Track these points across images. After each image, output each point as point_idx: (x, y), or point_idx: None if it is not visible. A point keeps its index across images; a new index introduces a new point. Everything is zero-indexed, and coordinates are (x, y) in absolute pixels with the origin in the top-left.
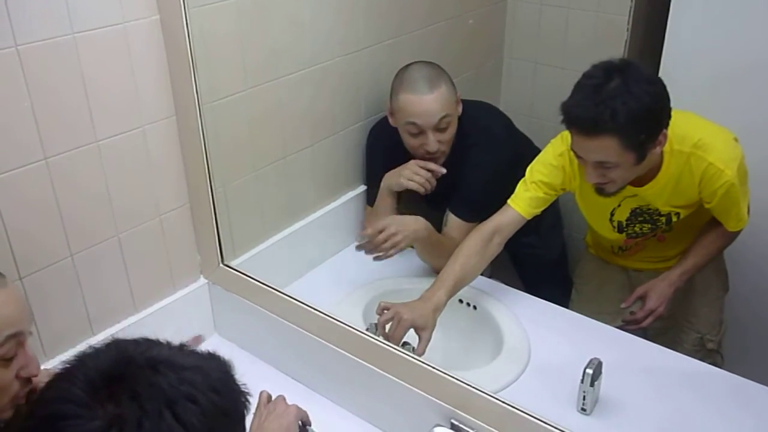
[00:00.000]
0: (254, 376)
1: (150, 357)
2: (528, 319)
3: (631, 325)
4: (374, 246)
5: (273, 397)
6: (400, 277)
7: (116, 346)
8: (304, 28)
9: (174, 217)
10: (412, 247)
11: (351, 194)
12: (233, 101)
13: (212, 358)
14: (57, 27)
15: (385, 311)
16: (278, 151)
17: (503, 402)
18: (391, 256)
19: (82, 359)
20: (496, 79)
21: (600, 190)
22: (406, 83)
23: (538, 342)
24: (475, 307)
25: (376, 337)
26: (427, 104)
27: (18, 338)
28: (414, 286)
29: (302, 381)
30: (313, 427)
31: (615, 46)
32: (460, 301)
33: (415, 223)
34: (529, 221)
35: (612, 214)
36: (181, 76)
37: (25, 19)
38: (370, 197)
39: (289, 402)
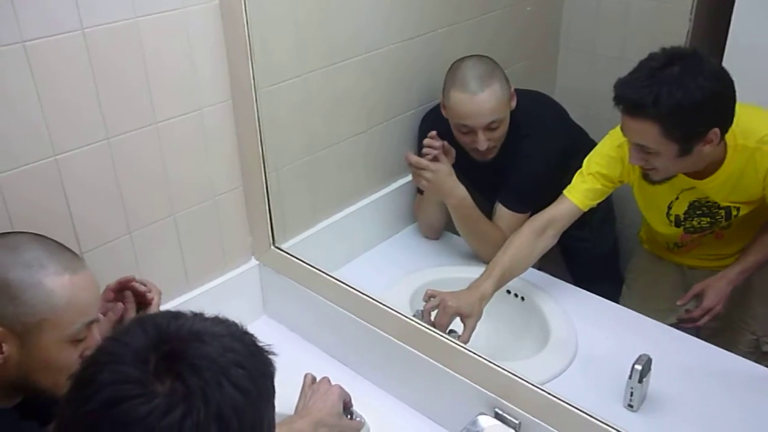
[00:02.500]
0: (301, 359)
1: (190, 329)
2: (576, 313)
3: (686, 324)
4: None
5: (317, 379)
6: (448, 266)
7: (148, 322)
8: (361, 15)
9: (228, 198)
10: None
11: (402, 181)
12: (288, 86)
13: (232, 323)
14: (121, 11)
15: (432, 298)
16: (331, 136)
17: (548, 393)
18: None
19: (120, 340)
20: (552, 68)
21: (645, 176)
22: (459, 81)
23: (586, 336)
24: (522, 299)
25: (423, 324)
26: (478, 105)
27: (92, 323)
28: (462, 275)
29: (348, 364)
30: (355, 408)
31: (676, 37)
32: (508, 291)
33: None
34: (581, 216)
35: (669, 207)
36: (239, 61)
37: (91, 3)
38: None
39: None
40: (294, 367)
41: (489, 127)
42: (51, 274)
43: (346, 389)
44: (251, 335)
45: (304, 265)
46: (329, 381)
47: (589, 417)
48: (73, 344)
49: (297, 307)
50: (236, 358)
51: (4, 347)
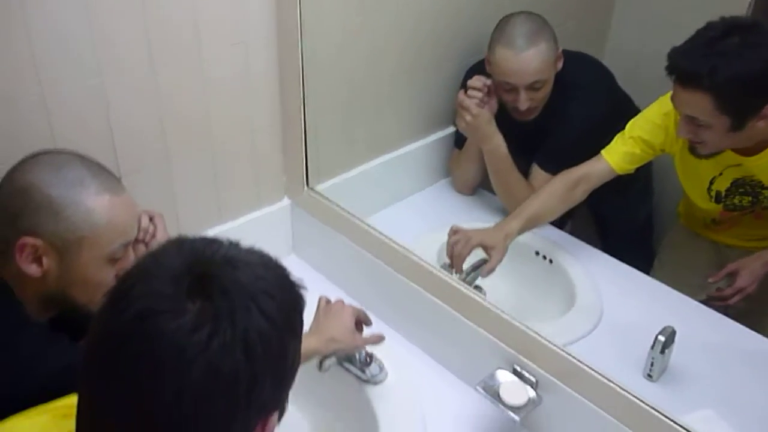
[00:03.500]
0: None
1: (225, 255)
2: (604, 280)
3: (716, 302)
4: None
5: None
6: (479, 222)
7: (185, 244)
8: None
9: (265, 136)
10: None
11: (440, 134)
12: (334, 27)
13: (266, 254)
14: None
15: (456, 234)
16: (372, 82)
17: (568, 354)
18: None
19: (156, 258)
20: (604, 31)
21: (692, 149)
22: (505, 37)
23: (612, 303)
24: (551, 261)
25: (451, 276)
26: (522, 63)
27: (128, 244)
28: None
29: (371, 309)
30: (376, 355)
31: (737, 6)
32: (537, 253)
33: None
34: (618, 184)
35: (711, 183)
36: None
37: None
38: (459, 140)
39: None
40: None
41: (532, 87)
42: (92, 194)
43: (366, 332)
44: (284, 268)
45: (336, 208)
46: (342, 302)
47: (606, 381)
48: (109, 263)
49: (325, 249)
50: (266, 287)
51: (44, 261)
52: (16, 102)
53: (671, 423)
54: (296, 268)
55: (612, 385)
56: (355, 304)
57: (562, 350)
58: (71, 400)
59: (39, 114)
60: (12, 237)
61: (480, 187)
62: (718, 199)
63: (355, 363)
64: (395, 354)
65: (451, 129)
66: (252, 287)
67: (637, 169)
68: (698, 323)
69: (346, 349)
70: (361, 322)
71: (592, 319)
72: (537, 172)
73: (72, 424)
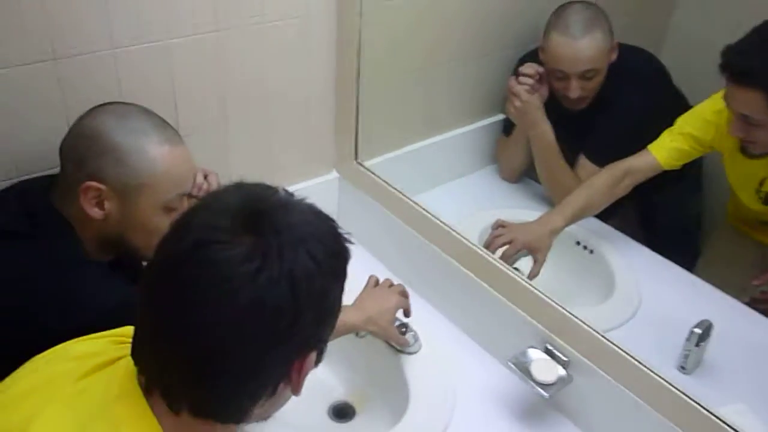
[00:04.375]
0: (366, 271)
1: (280, 200)
2: (645, 274)
3: (758, 304)
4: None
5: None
6: (522, 209)
7: (244, 186)
8: None
9: (319, 107)
10: None
11: (489, 120)
12: (394, 5)
13: (318, 208)
14: None
15: (501, 228)
16: (427, 62)
17: (601, 335)
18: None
19: (217, 196)
20: (663, 26)
21: (743, 148)
22: (561, 23)
23: (651, 296)
24: (591, 251)
25: (489, 254)
26: (576, 50)
27: (184, 195)
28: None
29: (409, 283)
30: (410, 325)
31: None
32: (578, 243)
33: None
34: (667, 181)
35: (761, 184)
36: None
37: None
38: (507, 127)
39: None
40: (357, 278)
41: (584, 76)
42: (154, 143)
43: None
44: (333, 220)
45: (383, 183)
46: (391, 284)
47: (639, 365)
48: (166, 211)
49: (369, 223)
50: (315, 231)
51: (106, 204)
52: (88, 61)
53: (703, 410)
54: None
55: (645, 370)
56: (396, 278)
57: (597, 332)
58: (125, 330)
59: (109, 72)
60: (78, 179)
61: (525, 176)
62: (767, 200)
63: None
64: (430, 327)
65: (501, 116)
66: (302, 230)
67: (687, 166)
68: (737, 321)
69: (380, 335)
70: (405, 311)
71: (629, 310)
72: (584, 162)
73: (126, 349)
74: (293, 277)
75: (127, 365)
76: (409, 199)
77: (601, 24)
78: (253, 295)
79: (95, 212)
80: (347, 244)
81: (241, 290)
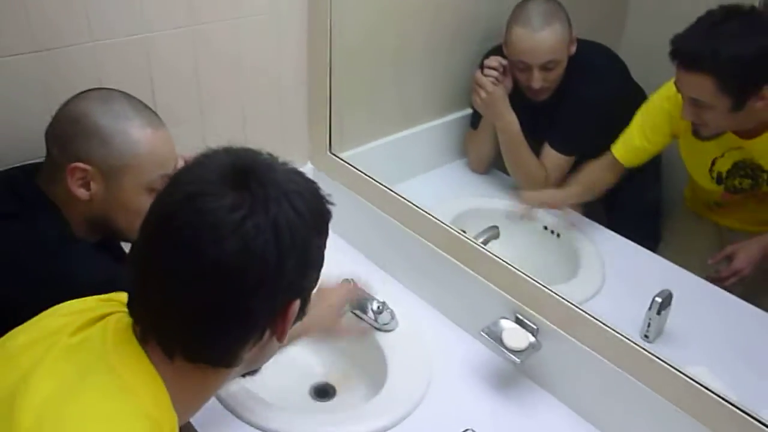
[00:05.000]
0: (341, 260)
1: (266, 160)
2: (609, 254)
3: (716, 283)
4: None
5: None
6: (490, 197)
7: (232, 149)
8: None
9: (292, 100)
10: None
11: (457, 115)
12: (364, 3)
13: (301, 172)
14: None
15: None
16: (396, 57)
17: (567, 301)
18: None
19: (207, 156)
20: (619, 25)
21: (695, 131)
22: (522, 17)
23: (614, 275)
24: (558, 235)
25: (462, 233)
26: (537, 42)
27: (167, 176)
28: (505, 207)
29: (384, 268)
30: (389, 305)
31: None
32: (545, 228)
33: None
34: (628, 170)
35: (713, 164)
36: None
37: None
38: (475, 120)
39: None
40: (334, 267)
41: (545, 67)
42: (136, 126)
43: (380, 291)
44: (315, 182)
45: (357, 172)
46: (338, 285)
47: (604, 327)
48: (149, 192)
49: (343, 212)
50: (298, 188)
51: (92, 185)
52: (72, 53)
53: (669, 367)
54: None
55: (611, 332)
56: (372, 264)
57: (564, 299)
58: (112, 294)
59: (90, 63)
60: (64, 161)
61: (493, 167)
62: (719, 180)
63: (368, 311)
64: (406, 307)
65: (468, 111)
66: (286, 186)
67: None
68: (696, 294)
69: (330, 334)
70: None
71: (594, 286)
72: (548, 151)
73: (115, 306)
74: (277, 225)
75: (120, 318)
76: (383, 185)
77: (560, 17)
78: (240, 242)
79: (81, 193)
80: (328, 205)
81: (228, 237)
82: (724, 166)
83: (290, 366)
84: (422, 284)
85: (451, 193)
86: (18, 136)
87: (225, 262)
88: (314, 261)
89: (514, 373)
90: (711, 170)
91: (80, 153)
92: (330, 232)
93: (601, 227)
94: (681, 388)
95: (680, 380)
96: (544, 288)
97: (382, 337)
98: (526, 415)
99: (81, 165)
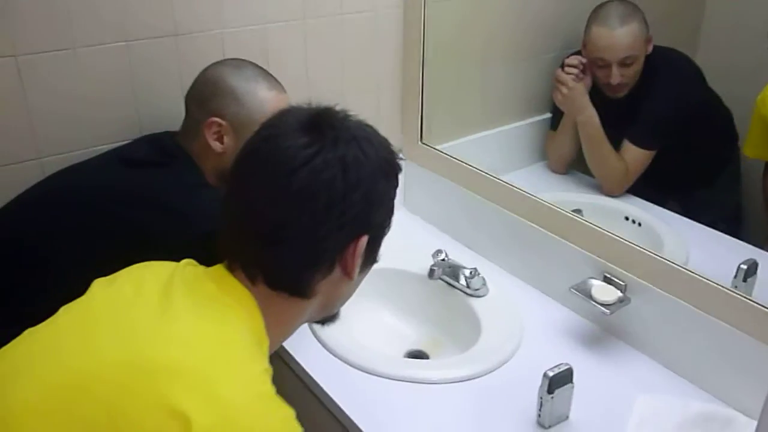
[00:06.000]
0: (434, 243)
1: (341, 111)
2: (688, 240)
3: None
4: None
5: None
6: (572, 198)
7: (311, 105)
8: None
9: (387, 94)
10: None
11: (538, 118)
12: (453, 4)
13: (374, 128)
14: None
15: None
16: (481, 60)
17: (654, 254)
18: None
19: (290, 108)
20: (695, 33)
21: None
22: (600, 17)
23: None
24: (639, 224)
25: (546, 201)
26: (616, 39)
27: None
28: (586, 201)
29: (472, 247)
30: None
31: None
32: (626, 218)
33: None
34: (703, 173)
35: None
36: None
37: None
38: (554, 122)
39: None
40: (424, 246)
41: (623, 63)
42: (264, 88)
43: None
44: (386, 139)
45: (446, 156)
46: None
47: (694, 275)
48: None
49: (433, 199)
50: (369, 136)
51: (225, 139)
52: (201, 39)
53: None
54: (407, 220)
55: (702, 279)
56: (461, 245)
57: (651, 252)
58: None
59: (216, 47)
60: (202, 117)
61: (573, 168)
62: None
63: (460, 278)
64: (495, 279)
65: (548, 115)
66: (356, 132)
67: (725, 158)
68: None
69: None
70: None
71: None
72: (628, 146)
73: None
74: (345, 162)
75: (187, 263)
76: (472, 167)
77: (637, 16)
78: (310, 174)
79: (216, 145)
80: (398, 159)
81: (300, 169)
82: None
83: (383, 334)
84: (509, 258)
85: (534, 190)
86: (153, 111)
87: (297, 189)
88: (381, 200)
89: (603, 333)
90: None
91: (216, 110)
92: (421, 219)
93: (675, 215)
94: None
95: None
96: (631, 244)
97: (474, 302)
98: (614, 369)
99: (217, 119)
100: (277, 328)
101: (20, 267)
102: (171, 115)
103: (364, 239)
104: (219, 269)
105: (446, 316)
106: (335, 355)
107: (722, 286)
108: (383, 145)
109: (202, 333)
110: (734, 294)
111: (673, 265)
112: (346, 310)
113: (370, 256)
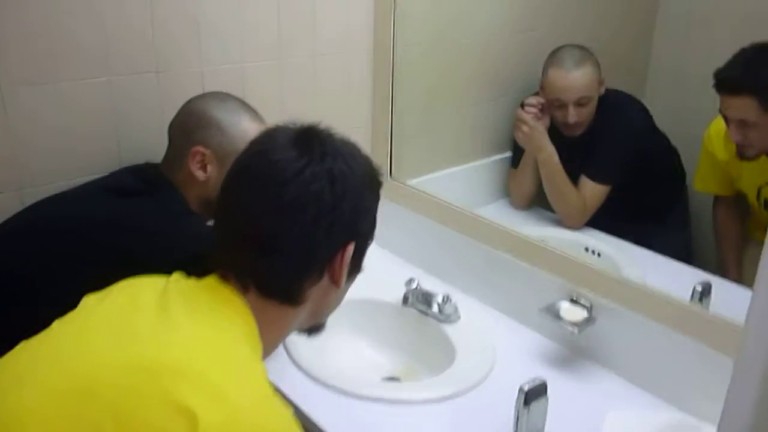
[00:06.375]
0: (403, 273)
1: (326, 129)
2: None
3: None
4: None
5: None
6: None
7: (296, 123)
8: (481, 6)
9: (358, 135)
10: None
11: (499, 156)
12: (420, 49)
13: (357, 145)
14: None
15: None
16: (447, 102)
17: (616, 278)
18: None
19: (276, 127)
20: (642, 77)
21: (741, 153)
22: (556, 60)
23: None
24: (599, 255)
25: (511, 229)
26: (571, 81)
27: None
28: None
29: (442, 277)
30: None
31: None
32: (586, 249)
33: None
34: (655, 209)
35: (759, 191)
36: (384, 18)
37: None
38: (515, 160)
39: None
40: (395, 277)
41: (579, 102)
42: (246, 120)
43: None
44: (370, 157)
45: (416, 191)
46: None
47: (656, 294)
48: None
49: (403, 232)
50: (353, 153)
51: (209, 168)
52: (182, 76)
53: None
54: (377, 254)
55: (662, 296)
56: (430, 276)
57: (613, 276)
58: None
59: (196, 83)
60: (186, 147)
61: (535, 204)
62: (766, 205)
63: (433, 305)
64: (465, 306)
65: (508, 153)
66: (342, 149)
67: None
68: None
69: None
70: None
71: None
72: (585, 181)
73: None
74: (332, 174)
75: (178, 278)
76: (442, 200)
77: (590, 60)
78: (300, 186)
79: (200, 174)
80: (379, 176)
81: (290, 182)
82: None
83: (358, 363)
84: (479, 286)
85: None
86: (133, 143)
87: (288, 200)
88: (367, 210)
89: (571, 354)
90: (758, 197)
91: (201, 140)
92: (388, 251)
93: (637, 247)
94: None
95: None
96: (595, 267)
97: (447, 328)
98: (584, 387)
99: (201, 149)
100: (270, 335)
101: (7, 295)
102: (150, 148)
103: (351, 247)
104: (211, 280)
105: (420, 343)
106: (312, 378)
107: (681, 302)
108: (366, 160)
109: (201, 337)
110: (692, 309)
111: (635, 285)
112: (323, 341)
113: (356, 264)
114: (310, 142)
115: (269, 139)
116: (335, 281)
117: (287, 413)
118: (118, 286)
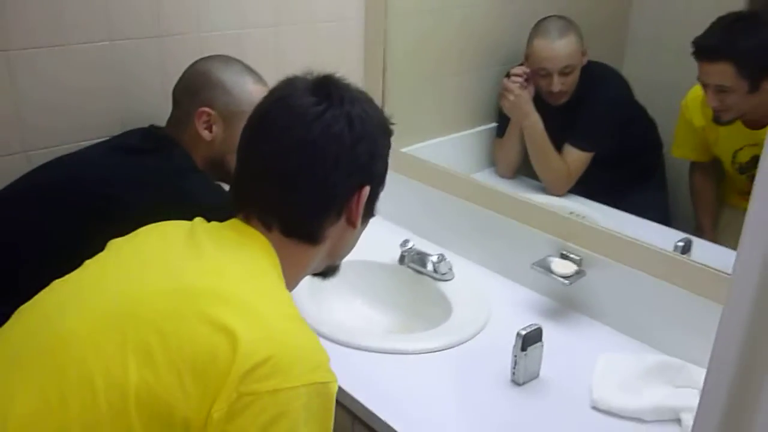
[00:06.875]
0: (397, 238)
1: (342, 78)
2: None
3: None
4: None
5: None
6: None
7: (316, 74)
8: None
9: None
10: None
11: (485, 126)
12: (412, 15)
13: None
14: None
15: None
16: (436, 77)
17: (606, 229)
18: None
19: (294, 76)
20: (620, 49)
21: (717, 118)
22: (541, 31)
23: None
24: (583, 218)
25: (501, 190)
26: (556, 50)
27: None
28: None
29: (433, 240)
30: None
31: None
32: (570, 213)
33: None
34: (634, 177)
35: (734, 156)
36: None
37: None
38: (501, 129)
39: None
40: (389, 241)
41: (563, 72)
42: (251, 81)
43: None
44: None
45: (406, 154)
46: None
47: (642, 245)
48: None
49: (396, 197)
50: (368, 99)
51: (214, 128)
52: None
53: (710, 269)
54: (372, 220)
55: (647, 247)
56: (421, 239)
57: (602, 228)
58: None
59: (196, 48)
60: (192, 108)
61: (519, 173)
62: (741, 170)
63: (428, 264)
64: (458, 266)
65: (494, 124)
66: (357, 95)
67: (652, 168)
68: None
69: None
70: None
71: None
72: (569, 149)
73: None
74: (351, 117)
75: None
76: (432, 163)
77: (574, 29)
78: (321, 127)
79: (206, 134)
80: (390, 124)
81: (312, 123)
82: (744, 157)
83: (357, 322)
84: (472, 246)
85: None
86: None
87: (311, 141)
88: (381, 154)
89: (563, 307)
90: (733, 162)
91: (206, 100)
92: (380, 217)
93: (623, 212)
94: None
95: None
96: (584, 222)
97: (442, 285)
98: (576, 336)
99: (207, 109)
100: (291, 272)
101: (22, 248)
102: (153, 112)
103: (366, 190)
104: (235, 221)
105: (416, 301)
106: (317, 333)
107: (666, 252)
108: (379, 108)
109: (232, 265)
110: (677, 258)
111: (623, 237)
112: (321, 301)
113: (370, 208)
114: (328, 89)
115: (289, 86)
116: (352, 222)
117: (314, 336)
118: (144, 228)
